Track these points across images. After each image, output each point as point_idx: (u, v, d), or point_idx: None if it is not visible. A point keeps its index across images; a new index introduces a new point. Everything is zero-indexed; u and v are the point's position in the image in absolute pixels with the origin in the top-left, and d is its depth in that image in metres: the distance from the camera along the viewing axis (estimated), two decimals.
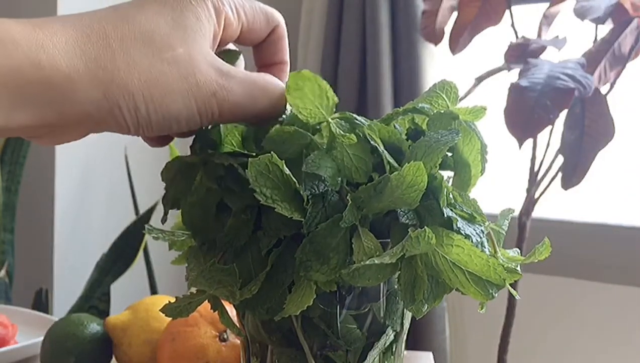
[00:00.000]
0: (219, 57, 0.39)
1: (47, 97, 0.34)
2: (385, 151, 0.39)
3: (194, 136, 0.43)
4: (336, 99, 0.39)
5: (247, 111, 0.39)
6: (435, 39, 1.20)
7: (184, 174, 0.42)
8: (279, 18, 0.43)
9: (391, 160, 0.39)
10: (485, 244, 0.38)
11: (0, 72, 0.32)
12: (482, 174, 0.43)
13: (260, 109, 0.40)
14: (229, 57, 0.42)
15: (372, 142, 0.39)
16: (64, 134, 0.37)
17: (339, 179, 0.39)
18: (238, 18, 0.41)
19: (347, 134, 0.39)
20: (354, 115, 0.40)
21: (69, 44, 0.34)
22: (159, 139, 0.42)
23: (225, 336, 0.63)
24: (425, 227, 0.35)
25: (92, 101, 0.34)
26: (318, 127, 0.40)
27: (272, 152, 0.37)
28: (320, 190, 0.38)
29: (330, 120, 0.39)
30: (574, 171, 1.02)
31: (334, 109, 0.40)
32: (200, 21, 0.38)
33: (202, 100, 0.37)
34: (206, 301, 0.42)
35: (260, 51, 0.44)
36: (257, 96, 0.39)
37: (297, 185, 0.37)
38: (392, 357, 0.43)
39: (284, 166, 0.37)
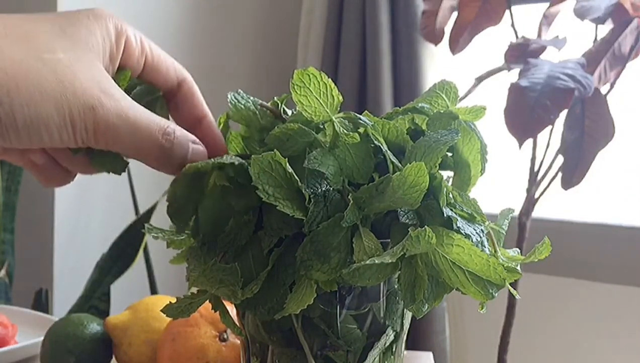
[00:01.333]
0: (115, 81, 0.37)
1: None
2: (388, 151, 0.39)
3: None
4: (341, 98, 0.40)
5: (126, 145, 0.36)
6: (435, 39, 1.20)
7: (195, 183, 0.42)
8: (187, 73, 0.42)
9: (395, 160, 0.39)
10: (485, 244, 0.38)
11: None
12: (482, 174, 0.43)
13: (144, 150, 0.37)
14: (120, 77, 0.39)
15: (375, 142, 0.39)
16: None
17: (342, 178, 0.39)
18: (141, 48, 0.39)
19: (351, 133, 0.39)
20: (358, 115, 0.40)
21: None
22: (54, 173, 0.40)
23: (225, 336, 0.63)
24: (426, 227, 0.35)
25: None
26: (321, 126, 0.41)
27: (275, 150, 0.37)
28: (322, 189, 0.38)
29: (334, 119, 0.40)
30: (574, 171, 1.02)
31: (339, 108, 0.40)
32: (93, 35, 0.36)
33: (78, 111, 0.34)
34: (206, 301, 0.42)
35: (177, 110, 0.42)
36: (141, 133, 0.36)
37: (300, 183, 0.37)
38: (392, 357, 0.43)
39: (287, 164, 0.37)
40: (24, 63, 0.33)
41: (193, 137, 0.40)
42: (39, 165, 0.39)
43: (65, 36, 0.35)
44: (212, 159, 0.40)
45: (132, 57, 0.39)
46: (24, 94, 0.32)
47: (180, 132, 0.39)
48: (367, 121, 0.40)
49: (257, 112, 0.43)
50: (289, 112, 0.44)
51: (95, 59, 0.36)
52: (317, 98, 0.39)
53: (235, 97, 0.43)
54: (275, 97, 0.44)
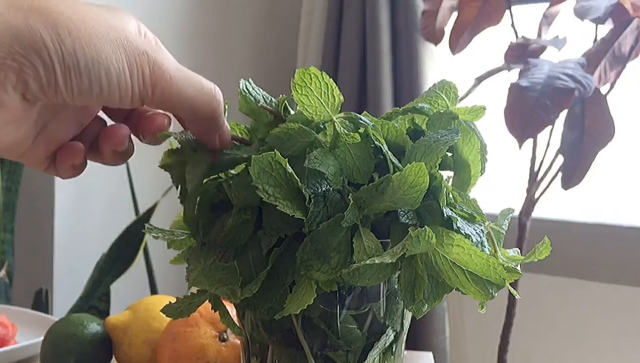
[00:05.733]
0: None
1: None
2: (389, 152, 0.39)
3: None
4: (342, 98, 0.39)
5: (182, 97, 0.36)
6: (435, 39, 1.20)
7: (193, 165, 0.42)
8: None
9: (395, 161, 0.39)
10: (485, 243, 0.38)
11: None
12: (482, 174, 0.43)
13: (195, 96, 0.37)
14: None
15: (376, 142, 0.39)
16: None
17: (342, 178, 0.39)
18: (155, 41, 0.40)
19: (351, 133, 0.39)
20: (359, 115, 0.40)
21: None
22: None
23: (225, 336, 0.63)
24: (426, 227, 0.35)
25: (10, 28, 0.31)
26: (322, 126, 0.40)
27: (275, 150, 0.37)
28: (322, 189, 0.38)
29: (335, 119, 0.39)
30: (574, 171, 1.02)
31: (339, 108, 0.40)
32: (129, 23, 0.37)
33: (133, 55, 0.34)
34: (206, 301, 0.42)
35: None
36: (195, 84, 0.37)
37: (300, 183, 0.37)
38: (392, 357, 0.43)
39: (287, 164, 0.37)
40: (80, 10, 0.33)
41: None
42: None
43: (102, 10, 0.36)
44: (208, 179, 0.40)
45: None
46: (83, 35, 0.32)
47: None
48: (368, 122, 0.40)
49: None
50: (291, 112, 0.43)
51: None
52: (318, 98, 0.39)
53: (246, 87, 0.42)
54: (277, 97, 0.43)
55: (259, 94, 0.43)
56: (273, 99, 0.43)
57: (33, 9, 0.31)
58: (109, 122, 0.41)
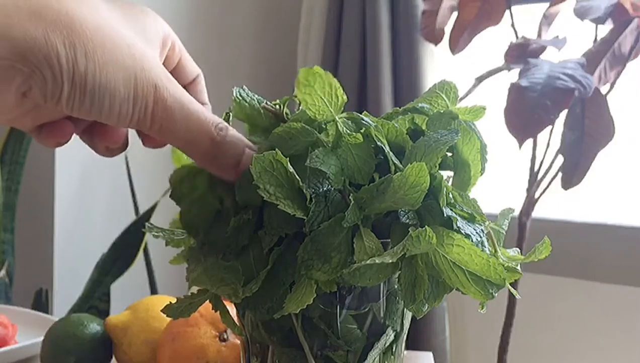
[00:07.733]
0: None
1: None
2: (390, 152, 0.39)
3: None
4: (345, 98, 0.39)
5: (177, 132, 0.37)
6: (435, 39, 1.20)
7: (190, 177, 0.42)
8: (198, 68, 0.44)
9: (396, 161, 0.39)
10: (486, 243, 0.38)
11: None
12: (482, 174, 0.43)
13: (194, 141, 0.37)
14: None
15: (378, 143, 0.39)
16: None
17: (343, 178, 0.39)
18: (179, 48, 0.41)
19: (353, 133, 0.39)
20: (361, 115, 0.40)
21: None
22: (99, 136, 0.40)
23: (225, 336, 0.63)
24: (426, 226, 0.35)
25: (28, 39, 0.31)
26: (324, 125, 0.40)
27: (276, 149, 0.37)
28: (324, 189, 0.38)
29: (337, 119, 0.39)
30: (574, 171, 1.02)
31: (342, 108, 0.40)
32: (150, 29, 0.38)
33: (142, 86, 0.34)
34: (206, 301, 0.42)
35: None
36: (194, 121, 0.37)
37: (301, 183, 0.37)
38: (392, 357, 0.43)
39: (288, 163, 0.37)
40: (104, 30, 0.33)
41: (249, 142, 0.40)
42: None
43: (129, 21, 0.36)
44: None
45: (171, 55, 0.41)
46: (100, 60, 0.33)
47: (234, 132, 0.39)
48: (370, 122, 0.40)
49: (262, 111, 0.43)
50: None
51: (156, 50, 0.38)
52: (321, 97, 0.39)
53: (240, 94, 0.43)
54: (276, 97, 0.43)
55: (253, 100, 0.43)
56: (268, 103, 0.43)
57: (57, 22, 0.31)
58: None
